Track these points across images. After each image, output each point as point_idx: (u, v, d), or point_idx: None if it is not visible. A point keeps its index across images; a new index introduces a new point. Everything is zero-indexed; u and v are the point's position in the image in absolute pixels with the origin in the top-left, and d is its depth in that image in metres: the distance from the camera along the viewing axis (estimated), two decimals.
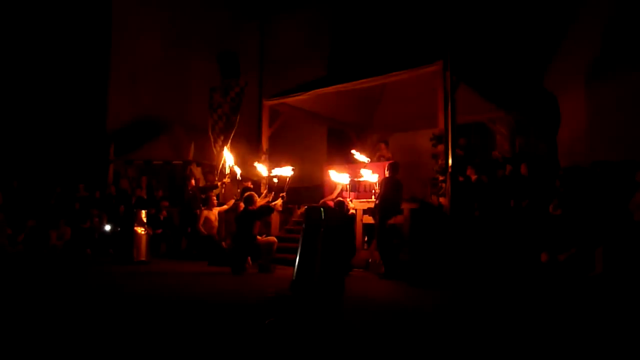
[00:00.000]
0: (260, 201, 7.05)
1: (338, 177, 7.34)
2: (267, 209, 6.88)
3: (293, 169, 7.09)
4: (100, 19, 12.33)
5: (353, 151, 7.73)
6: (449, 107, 7.08)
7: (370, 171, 7.40)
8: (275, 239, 6.78)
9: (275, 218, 8.93)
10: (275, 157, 10.08)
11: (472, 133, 10.13)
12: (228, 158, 8.32)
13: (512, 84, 9.68)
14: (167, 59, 12.86)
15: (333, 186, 8.12)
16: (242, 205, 7.86)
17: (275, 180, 7.36)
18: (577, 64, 9.10)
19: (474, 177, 7.93)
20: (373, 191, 7.95)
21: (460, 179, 7.71)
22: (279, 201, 6.89)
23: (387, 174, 6.86)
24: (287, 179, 6.95)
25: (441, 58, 7.28)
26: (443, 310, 4.34)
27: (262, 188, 8.44)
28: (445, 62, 7.22)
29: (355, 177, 7.55)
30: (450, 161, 7.06)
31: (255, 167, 7.83)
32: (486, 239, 6.68)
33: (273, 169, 7.11)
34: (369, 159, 7.59)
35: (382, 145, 9.96)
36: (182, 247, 8.94)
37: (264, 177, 8.12)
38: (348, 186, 7.34)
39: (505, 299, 4.91)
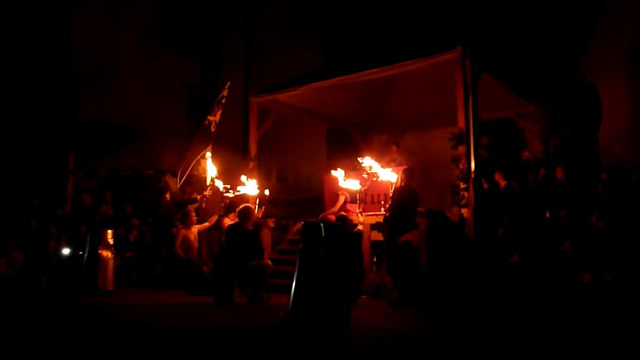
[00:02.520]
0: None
1: (346, 182, 7.34)
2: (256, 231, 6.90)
3: (267, 188, 7.19)
4: (58, 7, 12.44)
5: (360, 159, 7.70)
6: (470, 101, 7.11)
7: (390, 170, 7.33)
8: (269, 263, 6.76)
9: (266, 237, 8.92)
10: (265, 164, 10.10)
11: (497, 131, 10.15)
12: (210, 167, 8.33)
13: (543, 72, 9.72)
14: (137, 53, 12.95)
15: (335, 197, 8.12)
16: (225, 221, 7.87)
17: (267, 192, 7.40)
18: (616, 47, 9.16)
19: (502, 184, 7.94)
20: (382, 202, 7.95)
21: (486, 186, 7.72)
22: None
23: (399, 181, 6.87)
24: (263, 192, 7.01)
25: (460, 44, 7.32)
26: (467, 347, 4.31)
27: (251, 202, 8.44)
28: (464, 49, 7.26)
29: (365, 183, 7.54)
30: (472, 165, 7.07)
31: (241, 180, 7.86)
32: (520, 259, 6.68)
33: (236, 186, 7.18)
34: (378, 164, 7.57)
35: (393, 148, 9.99)
36: (156, 273, 8.92)
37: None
38: (358, 195, 7.31)
39: (541, 332, 4.89)
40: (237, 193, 7.65)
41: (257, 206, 7.54)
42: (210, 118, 9.51)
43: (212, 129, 9.55)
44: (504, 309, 5.95)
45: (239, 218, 6.83)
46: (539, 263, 6.61)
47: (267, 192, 7.69)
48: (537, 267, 6.58)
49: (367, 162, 7.53)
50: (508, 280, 6.45)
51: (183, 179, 9.07)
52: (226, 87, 9.63)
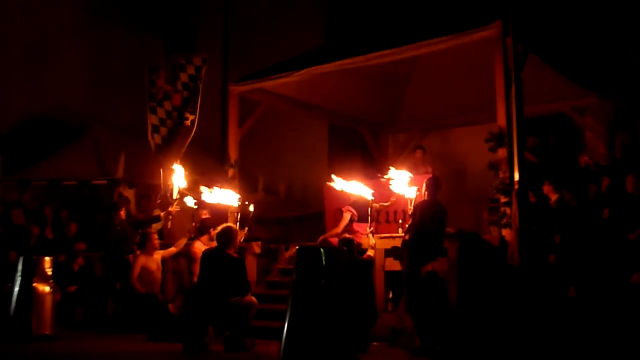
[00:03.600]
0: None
1: (354, 187, 7.29)
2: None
3: (248, 203, 7.22)
4: None
5: (384, 176, 7.58)
6: (513, 91, 7.13)
7: (408, 179, 7.18)
8: (253, 300, 6.75)
9: (251, 266, 8.91)
10: (249, 172, 10.11)
11: (548, 130, 10.20)
12: (178, 176, 8.34)
13: (606, 53, 9.77)
14: (82, 30, 12.99)
15: (338, 214, 8.11)
16: (197, 245, 7.85)
17: (251, 208, 7.39)
18: None
19: (553, 197, 7.96)
20: (400, 221, 7.94)
21: (533, 200, 7.73)
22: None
23: (423, 194, 6.88)
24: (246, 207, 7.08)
25: (499, 17, 7.35)
26: None
27: (230, 219, 8.45)
28: (505, 24, 7.28)
29: (382, 200, 7.50)
30: (516, 174, 7.08)
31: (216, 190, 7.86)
32: (577, 293, 6.67)
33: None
34: (411, 175, 7.42)
35: (419, 153, 9.99)
36: (108, 312, 8.89)
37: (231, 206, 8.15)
38: (370, 211, 7.22)
39: None
40: (210, 200, 7.60)
41: (238, 226, 7.53)
42: (190, 116, 9.51)
43: (193, 130, 9.57)
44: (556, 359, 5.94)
45: (218, 241, 6.81)
46: (601, 299, 6.61)
47: (251, 207, 7.69)
48: (600, 304, 6.58)
49: (395, 174, 7.14)
50: (562, 322, 6.45)
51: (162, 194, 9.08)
52: (203, 69, 9.65)
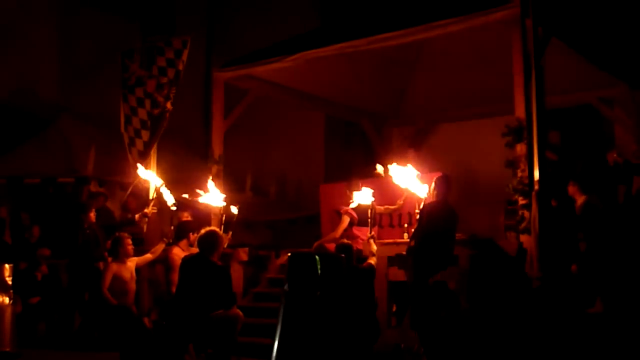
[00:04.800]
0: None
1: (361, 197, 7.28)
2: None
3: (235, 203, 7.24)
4: None
5: (380, 167, 7.63)
6: (533, 79, 7.13)
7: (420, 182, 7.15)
8: (239, 313, 6.75)
9: (236, 275, 8.91)
10: (235, 169, 10.08)
11: (572, 123, 10.21)
12: (152, 175, 8.31)
13: (638, 39, 9.80)
14: (49, 9, 12.97)
15: (336, 217, 8.11)
16: (176, 251, 7.83)
17: (235, 210, 7.38)
18: None
19: (579, 199, 7.96)
20: (405, 225, 7.93)
21: (555, 202, 7.74)
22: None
23: (432, 195, 6.87)
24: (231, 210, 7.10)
25: None
26: None
27: (213, 222, 8.46)
28: (524, 3, 7.28)
29: (385, 201, 7.48)
30: (537, 172, 7.08)
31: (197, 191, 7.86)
32: (604, 308, 6.67)
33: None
34: (419, 173, 7.42)
35: (410, 153, 9.94)
36: (75, 327, 8.89)
37: (215, 207, 8.15)
38: (370, 213, 7.21)
39: None
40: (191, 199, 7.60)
41: (222, 229, 7.53)
42: (165, 105, 9.47)
43: (166, 121, 9.52)
44: None
45: (200, 247, 6.81)
46: (631, 315, 6.62)
47: (234, 209, 7.68)
48: (629, 320, 6.59)
49: (395, 171, 7.15)
50: (586, 339, 6.46)
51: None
52: (185, 53, 9.59)
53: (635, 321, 6.54)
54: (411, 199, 7.35)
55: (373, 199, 7.26)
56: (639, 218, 7.56)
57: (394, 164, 7.28)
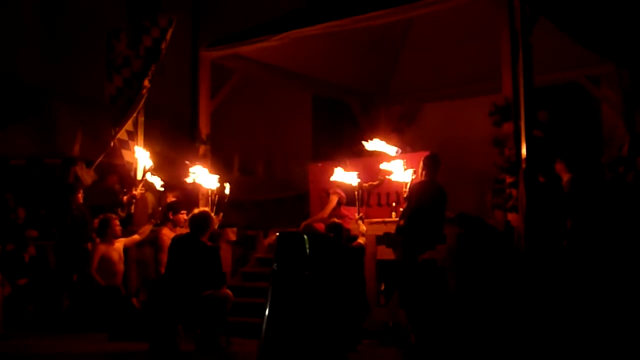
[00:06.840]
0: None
1: (342, 175, 7.31)
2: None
3: (227, 182, 7.28)
4: None
5: (365, 143, 7.67)
6: (521, 57, 7.13)
7: (402, 163, 7.20)
8: (229, 293, 6.76)
9: (225, 255, 8.91)
10: (223, 149, 10.05)
11: (559, 102, 10.22)
12: (141, 154, 8.26)
13: (625, 18, 9.79)
14: None
15: (325, 197, 8.11)
16: (165, 232, 7.82)
17: (227, 190, 7.38)
18: None
19: (565, 177, 7.99)
20: (394, 204, 7.94)
21: (542, 179, 7.77)
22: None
23: (420, 174, 6.88)
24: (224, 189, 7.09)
25: None
26: None
27: (202, 203, 8.44)
28: None
29: (373, 180, 7.50)
30: (524, 150, 7.10)
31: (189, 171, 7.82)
32: (591, 287, 6.72)
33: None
34: (399, 149, 7.48)
35: (393, 137, 9.92)
36: (63, 308, 8.87)
37: (204, 187, 8.13)
38: (357, 194, 7.24)
39: None
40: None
41: (213, 210, 7.53)
42: (147, 84, 9.38)
43: (143, 98, 9.44)
44: (568, 356, 6.00)
45: (191, 227, 6.80)
46: (617, 292, 6.67)
47: (227, 190, 7.67)
48: (615, 297, 6.64)
49: (377, 146, 7.33)
50: (572, 316, 6.51)
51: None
52: (169, 32, 9.50)
53: (620, 297, 6.60)
54: (388, 174, 7.32)
55: (359, 179, 7.28)
56: (625, 199, 7.59)
57: (375, 140, 7.33)
